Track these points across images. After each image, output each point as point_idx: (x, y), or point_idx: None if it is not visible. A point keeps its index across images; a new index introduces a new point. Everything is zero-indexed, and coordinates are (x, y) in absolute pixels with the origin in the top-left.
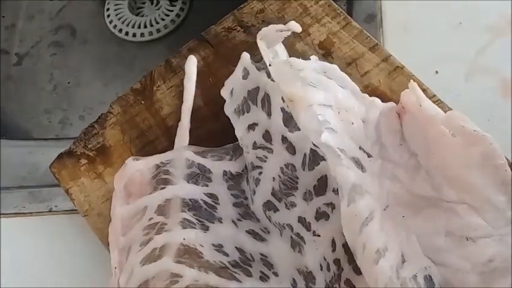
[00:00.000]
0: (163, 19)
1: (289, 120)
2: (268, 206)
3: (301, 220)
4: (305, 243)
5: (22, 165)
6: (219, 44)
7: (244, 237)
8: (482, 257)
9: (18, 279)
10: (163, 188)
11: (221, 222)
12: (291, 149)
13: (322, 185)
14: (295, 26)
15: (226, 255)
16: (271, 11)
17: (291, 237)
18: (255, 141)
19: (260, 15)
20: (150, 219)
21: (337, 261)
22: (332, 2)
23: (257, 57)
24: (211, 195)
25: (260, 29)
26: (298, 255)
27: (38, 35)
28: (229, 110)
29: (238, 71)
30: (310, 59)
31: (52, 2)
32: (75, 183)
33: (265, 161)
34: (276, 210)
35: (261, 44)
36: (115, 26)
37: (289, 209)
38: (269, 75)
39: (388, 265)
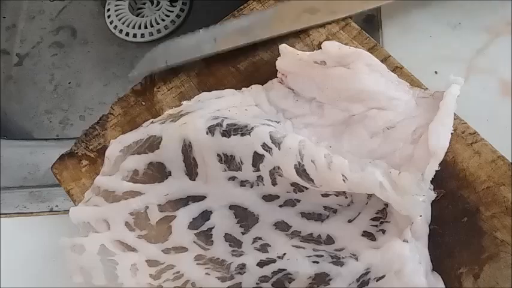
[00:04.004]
0: (163, 20)
1: None
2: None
3: None
4: None
5: (23, 166)
6: None
7: None
8: (408, 132)
9: (18, 279)
10: None
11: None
12: None
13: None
14: None
15: None
16: None
17: None
18: None
19: None
20: None
21: None
22: None
23: (256, 58)
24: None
25: None
26: None
27: (39, 35)
28: None
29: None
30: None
31: (53, 3)
32: (77, 184)
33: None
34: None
35: None
36: (115, 27)
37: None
38: None
39: (341, 161)
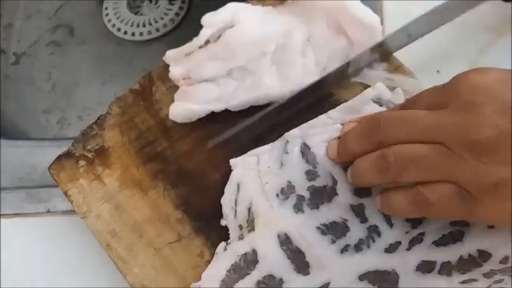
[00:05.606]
0: (162, 18)
1: None
2: None
3: None
4: None
5: (20, 166)
6: None
7: None
8: None
9: (16, 279)
10: None
11: None
12: None
13: None
14: None
15: None
16: None
17: None
18: None
19: None
20: None
21: None
22: None
23: None
24: None
25: None
26: None
27: (36, 34)
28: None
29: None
30: None
31: (50, 1)
32: (74, 184)
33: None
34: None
35: None
36: (113, 25)
37: None
38: None
39: None
